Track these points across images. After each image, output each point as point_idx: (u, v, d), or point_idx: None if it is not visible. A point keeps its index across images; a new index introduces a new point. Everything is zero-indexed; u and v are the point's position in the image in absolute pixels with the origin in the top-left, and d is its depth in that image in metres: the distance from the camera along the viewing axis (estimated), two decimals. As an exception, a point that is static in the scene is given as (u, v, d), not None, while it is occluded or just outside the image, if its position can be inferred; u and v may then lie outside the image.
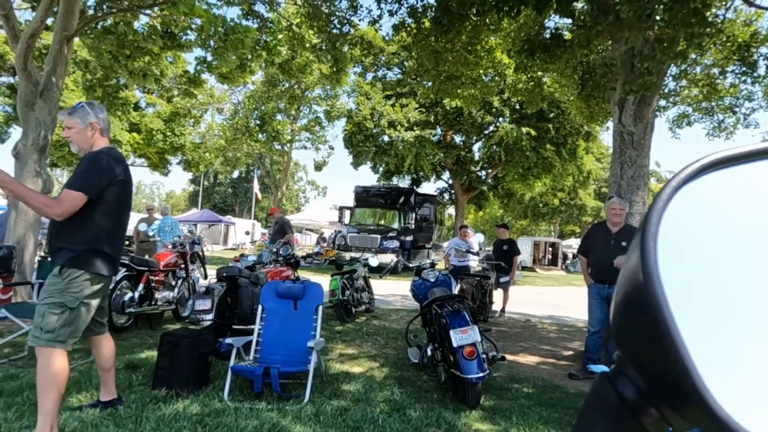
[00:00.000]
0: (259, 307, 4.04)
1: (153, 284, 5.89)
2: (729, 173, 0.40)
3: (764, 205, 0.38)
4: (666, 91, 8.66)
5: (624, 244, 4.81)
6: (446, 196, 25.13)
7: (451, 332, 3.58)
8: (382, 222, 18.65)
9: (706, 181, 0.39)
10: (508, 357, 5.87)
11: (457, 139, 21.70)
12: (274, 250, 7.14)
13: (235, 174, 54.07)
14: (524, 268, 28.45)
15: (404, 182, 22.52)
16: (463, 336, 3.56)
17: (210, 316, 4.46)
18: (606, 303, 4.91)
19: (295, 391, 3.72)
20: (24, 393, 3.33)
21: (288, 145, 20.69)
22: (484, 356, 3.85)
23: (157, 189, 79.36)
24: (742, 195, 0.39)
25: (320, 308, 4.10)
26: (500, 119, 19.28)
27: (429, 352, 4.20)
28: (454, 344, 3.54)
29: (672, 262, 0.36)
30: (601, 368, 2.59)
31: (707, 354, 0.33)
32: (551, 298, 14.10)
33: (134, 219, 18.13)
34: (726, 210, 0.39)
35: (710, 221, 0.38)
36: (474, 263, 7.76)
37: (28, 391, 3.33)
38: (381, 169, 21.21)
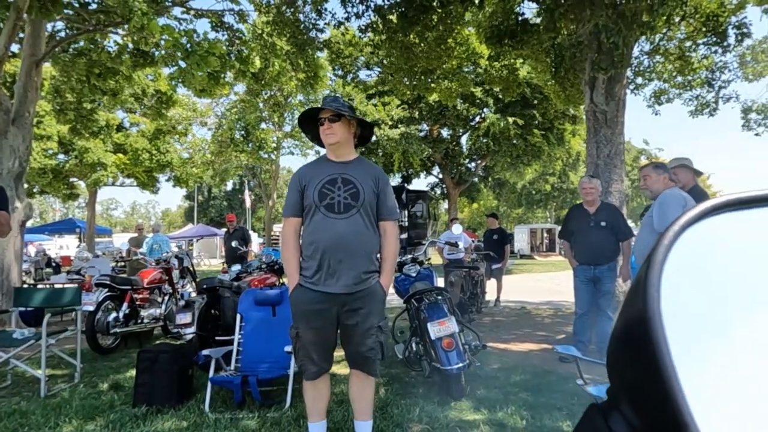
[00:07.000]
0: (238, 317, 4.01)
1: (138, 302, 5.85)
2: (738, 216, 0.40)
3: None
4: (640, 68, 8.65)
5: (603, 224, 4.79)
6: (438, 191, 25.08)
7: (429, 325, 3.56)
8: (375, 222, 18.57)
9: (715, 222, 0.39)
10: (501, 346, 5.86)
11: (444, 133, 21.65)
12: (264, 258, 7.09)
13: (229, 186, 53.99)
14: (522, 256, 28.44)
15: (395, 180, 22.47)
16: (441, 328, 3.54)
17: (191, 330, 4.42)
18: (592, 284, 4.89)
19: (279, 397, 3.69)
20: (1, 422, 3.29)
21: (275, 153, 20.61)
22: (466, 346, 3.83)
23: (153, 208, 79.35)
24: (749, 238, 0.39)
25: (299, 312, 4.06)
26: (485, 110, 19.24)
27: (413, 347, 4.17)
28: (432, 337, 3.52)
29: (675, 299, 0.35)
30: (568, 349, 2.53)
31: (704, 397, 0.32)
32: (549, 283, 14.06)
33: (125, 238, 18.07)
34: (732, 252, 0.39)
35: (716, 262, 0.38)
36: (462, 254, 7.73)
37: (6, 420, 3.29)
38: (370, 169, 21.13)
